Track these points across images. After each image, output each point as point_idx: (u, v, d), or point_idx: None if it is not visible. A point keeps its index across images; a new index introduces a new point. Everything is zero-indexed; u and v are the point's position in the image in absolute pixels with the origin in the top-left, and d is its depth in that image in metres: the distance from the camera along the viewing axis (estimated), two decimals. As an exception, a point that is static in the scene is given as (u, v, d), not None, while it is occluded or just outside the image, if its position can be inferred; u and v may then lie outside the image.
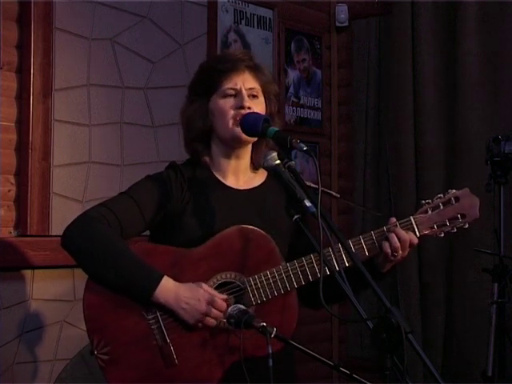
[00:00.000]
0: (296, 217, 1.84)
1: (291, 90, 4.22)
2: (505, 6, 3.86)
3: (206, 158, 2.11)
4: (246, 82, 2.07)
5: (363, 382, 1.73)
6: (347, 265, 1.96)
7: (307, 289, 2.00)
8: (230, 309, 1.87)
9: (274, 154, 1.87)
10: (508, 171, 3.25)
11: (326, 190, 2.15)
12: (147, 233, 2.13)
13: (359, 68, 4.42)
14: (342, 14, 4.43)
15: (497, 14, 3.89)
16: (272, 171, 1.89)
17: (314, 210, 1.75)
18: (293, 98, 4.23)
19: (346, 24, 4.45)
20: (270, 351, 1.70)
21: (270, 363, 1.69)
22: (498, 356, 3.22)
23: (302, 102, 4.28)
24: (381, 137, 4.32)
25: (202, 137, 2.10)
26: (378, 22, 4.35)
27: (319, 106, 4.40)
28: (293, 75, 4.24)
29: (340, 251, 1.96)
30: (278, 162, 1.86)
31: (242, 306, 1.87)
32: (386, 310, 1.62)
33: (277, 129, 1.91)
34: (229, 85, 2.05)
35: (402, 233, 1.99)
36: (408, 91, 4.09)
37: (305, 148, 1.79)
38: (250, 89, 2.07)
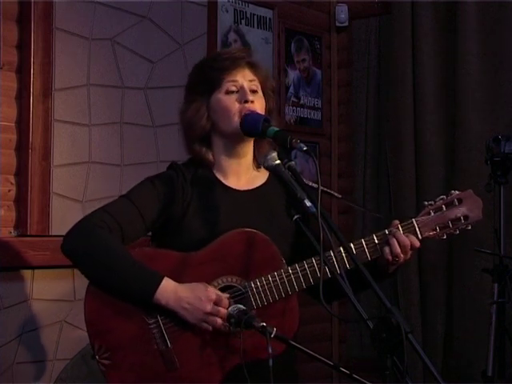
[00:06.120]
0: (296, 217, 1.84)
1: (291, 89, 4.22)
2: (505, 5, 3.86)
3: (210, 158, 2.09)
4: (246, 77, 2.07)
5: (363, 382, 1.73)
6: (348, 267, 1.95)
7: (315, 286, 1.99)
8: (230, 309, 1.87)
9: (274, 154, 1.87)
10: (508, 171, 3.25)
11: (327, 189, 2.14)
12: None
13: (359, 68, 4.42)
14: (342, 13, 4.43)
15: (497, 14, 3.89)
16: (272, 171, 1.88)
17: (314, 209, 1.74)
18: (293, 98, 4.23)
19: (346, 24, 4.44)
20: (270, 351, 1.70)
21: (271, 363, 1.69)
22: (497, 356, 3.22)
23: (302, 102, 4.28)
24: (381, 137, 4.32)
25: (205, 136, 2.09)
26: (378, 22, 4.35)
27: (319, 105, 4.40)
28: (293, 75, 4.24)
29: (341, 253, 1.95)
30: (278, 161, 1.86)
31: (241, 306, 1.87)
32: (386, 310, 1.62)
33: (277, 129, 1.91)
34: (230, 81, 2.05)
35: (403, 237, 1.97)
36: (408, 91, 4.09)
37: (305, 148, 1.79)
38: (251, 83, 2.07)
